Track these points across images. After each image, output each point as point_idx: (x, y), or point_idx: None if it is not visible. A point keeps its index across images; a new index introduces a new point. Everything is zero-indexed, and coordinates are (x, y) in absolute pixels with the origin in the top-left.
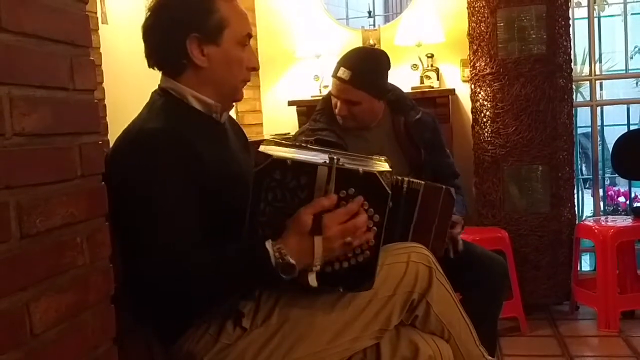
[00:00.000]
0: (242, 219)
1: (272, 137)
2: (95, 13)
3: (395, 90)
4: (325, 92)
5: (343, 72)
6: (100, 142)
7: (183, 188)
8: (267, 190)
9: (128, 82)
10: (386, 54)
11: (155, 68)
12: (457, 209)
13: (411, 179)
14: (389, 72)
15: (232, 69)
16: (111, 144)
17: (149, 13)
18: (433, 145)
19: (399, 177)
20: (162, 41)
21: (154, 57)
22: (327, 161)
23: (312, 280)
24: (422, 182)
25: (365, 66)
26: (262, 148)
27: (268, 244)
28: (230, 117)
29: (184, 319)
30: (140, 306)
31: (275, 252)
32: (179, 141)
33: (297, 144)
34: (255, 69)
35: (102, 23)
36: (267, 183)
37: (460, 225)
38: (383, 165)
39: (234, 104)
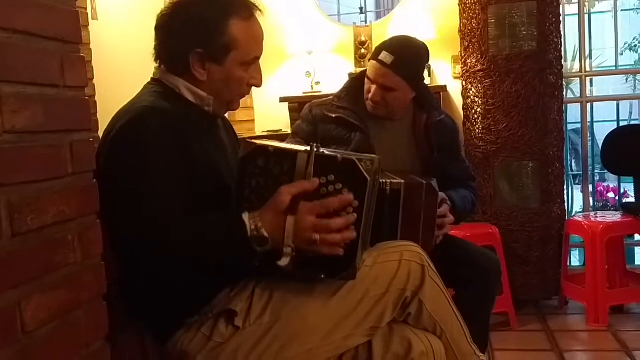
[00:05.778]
0: (223, 207)
1: (265, 134)
2: (85, 9)
3: (424, 87)
4: (316, 88)
5: (385, 56)
6: (91, 139)
7: (170, 170)
8: (251, 177)
9: (119, 78)
10: (427, 48)
11: (157, 62)
12: (466, 208)
13: (392, 180)
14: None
15: (230, 87)
16: None
17: (168, 7)
18: (449, 149)
19: (382, 180)
20: (169, 44)
21: (159, 52)
22: (308, 149)
23: (284, 261)
24: (402, 180)
25: (409, 53)
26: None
27: (245, 216)
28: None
29: (170, 300)
30: (128, 289)
31: (252, 224)
32: (171, 125)
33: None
34: (257, 86)
35: (92, 19)
36: (251, 170)
37: (448, 210)
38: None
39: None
